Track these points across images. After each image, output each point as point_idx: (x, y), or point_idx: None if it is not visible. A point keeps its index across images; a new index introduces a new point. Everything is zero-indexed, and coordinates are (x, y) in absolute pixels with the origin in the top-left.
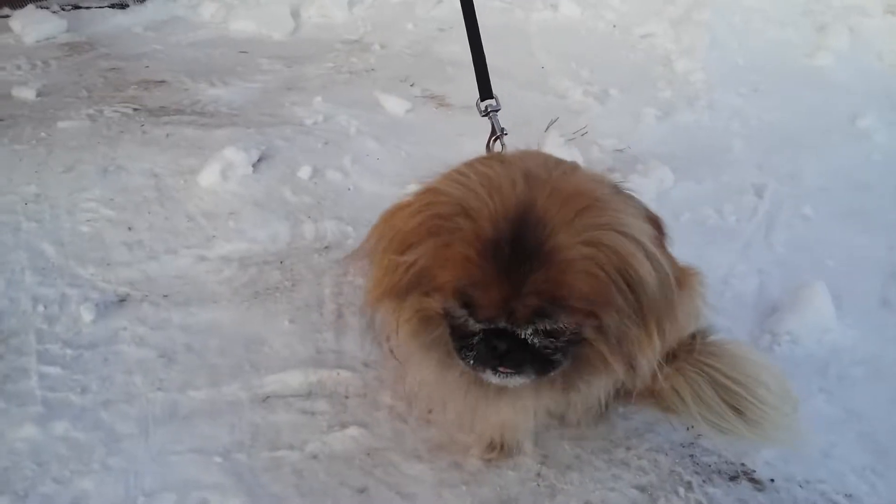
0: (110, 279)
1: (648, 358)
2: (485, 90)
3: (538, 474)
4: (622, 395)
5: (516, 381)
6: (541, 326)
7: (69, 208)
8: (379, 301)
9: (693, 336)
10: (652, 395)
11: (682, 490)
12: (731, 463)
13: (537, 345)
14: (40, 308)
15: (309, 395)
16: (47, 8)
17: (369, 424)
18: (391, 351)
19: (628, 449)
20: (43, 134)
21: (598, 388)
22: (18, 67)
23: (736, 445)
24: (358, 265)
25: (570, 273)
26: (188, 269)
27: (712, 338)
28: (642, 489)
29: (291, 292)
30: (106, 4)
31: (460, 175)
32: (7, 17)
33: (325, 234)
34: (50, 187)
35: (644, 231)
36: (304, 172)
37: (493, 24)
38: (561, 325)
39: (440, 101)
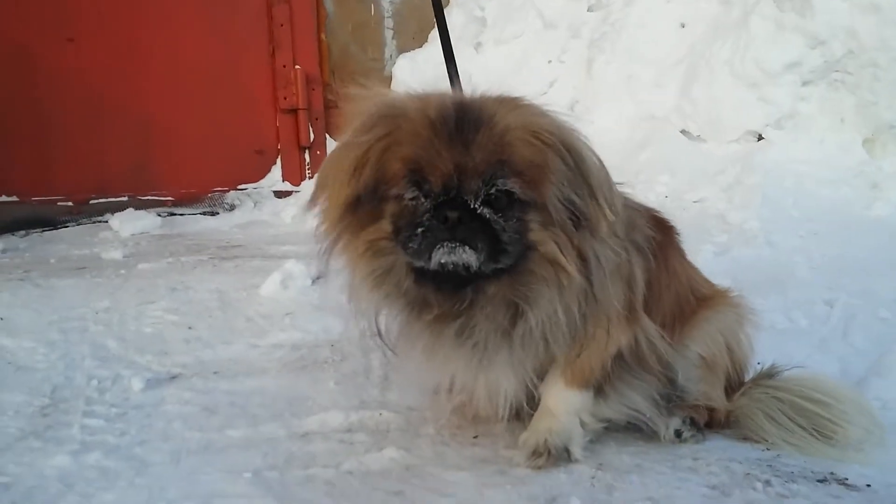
0: (165, 363)
1: (605, 256)
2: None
3: (592, 477)
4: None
5: (468, 256)
6: (492, 190)
7: (136, 315)
8: (334, 227)
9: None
10: (722, 425)
11: (759, 485)
12: (818, 471)
13: (488, 216)
14: (94, 383)
15: (349, 430)
16: (144, 209)
17: (409, 448)
18: (379, 334)
19: (696, 459)
20: (122, 271)
21: (554, 304)
22: (112, 247)
23: (822, 462)
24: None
25: (511, 135)
26: (241, 354)
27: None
28: (713, 487)
29: (339, 364)
30: (198, 212)
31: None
32: (106, 221)
33: (381, 325)
34: (121, 302)
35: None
36: None
37: None
38: (510, 188)
39: None
